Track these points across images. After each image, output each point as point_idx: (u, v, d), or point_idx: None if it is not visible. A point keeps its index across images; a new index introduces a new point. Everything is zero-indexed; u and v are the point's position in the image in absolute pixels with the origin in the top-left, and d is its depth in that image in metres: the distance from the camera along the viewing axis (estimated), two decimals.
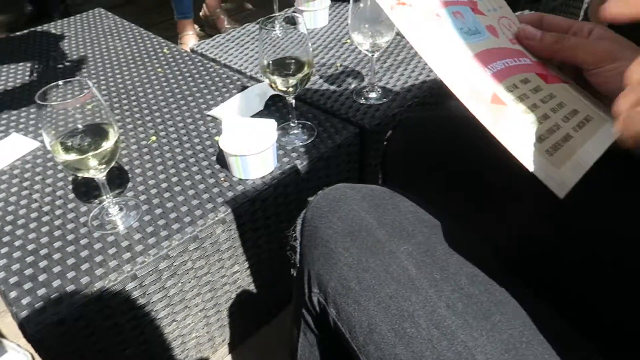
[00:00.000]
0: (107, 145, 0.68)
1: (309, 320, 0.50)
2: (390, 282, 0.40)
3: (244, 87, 1.13)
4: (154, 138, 0.98)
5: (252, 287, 0.98)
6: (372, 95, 1.07)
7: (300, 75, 0.83)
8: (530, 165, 0.36)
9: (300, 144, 0.94)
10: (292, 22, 0.82)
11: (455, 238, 0.43)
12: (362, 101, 1.07)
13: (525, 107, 0.39)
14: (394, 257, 0.41)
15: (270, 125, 0.87)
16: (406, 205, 0.46)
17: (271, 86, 0.86)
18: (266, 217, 0.88)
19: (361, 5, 0.90)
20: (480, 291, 0.40)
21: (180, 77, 1.19)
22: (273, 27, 0.83)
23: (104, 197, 0.79)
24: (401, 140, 0.57)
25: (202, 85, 1.16)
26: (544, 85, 0.43)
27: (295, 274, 0.50)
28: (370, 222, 0.44)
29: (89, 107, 0.66)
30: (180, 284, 0.80)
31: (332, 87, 1.14)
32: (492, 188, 0.52)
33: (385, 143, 0.58)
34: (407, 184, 0.55)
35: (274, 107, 1.06)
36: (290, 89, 0.84)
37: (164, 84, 1.17)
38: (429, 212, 0.46)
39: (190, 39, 2.12)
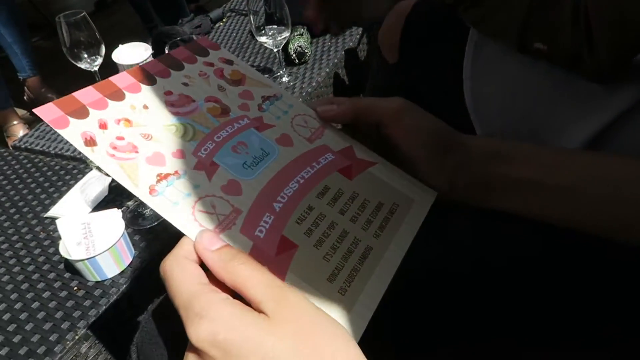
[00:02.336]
0: None
1: None
2: None
3: (82, 175, 1.03)
4: None
5: None
6: None
7: None
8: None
9: (156, 222, 0.87)
10: None
11: None
12: None
13: (317, 238, 0.37)
14: None
15: (114, 215, 0.79)
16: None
17: (105, 173, 0.78)
18: (137, 313, 0.80)
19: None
20: None
21: (5, 182, 1.05)
22: None
23: None
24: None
25: (33, 185, 1.03)
26: (347, 186, 0.41)
27: None
28: None
29: None
30: None
31: None
32: None
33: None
34: None
35: (120, 188, 0.97)
36: None
37: None
38: None
39: (17, 129, 1.92)
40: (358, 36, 1.45)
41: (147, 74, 0.43)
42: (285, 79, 1.27)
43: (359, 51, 1.46)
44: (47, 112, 0.36)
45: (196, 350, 0.28)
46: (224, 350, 0.27)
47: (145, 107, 0.40)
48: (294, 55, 1.30)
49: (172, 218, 0.34)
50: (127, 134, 0.38)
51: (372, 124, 0.44)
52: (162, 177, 0.36)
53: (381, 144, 0.44)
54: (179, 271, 0.30)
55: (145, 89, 0.41)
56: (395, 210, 0.41)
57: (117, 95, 0.40)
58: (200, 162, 0.38)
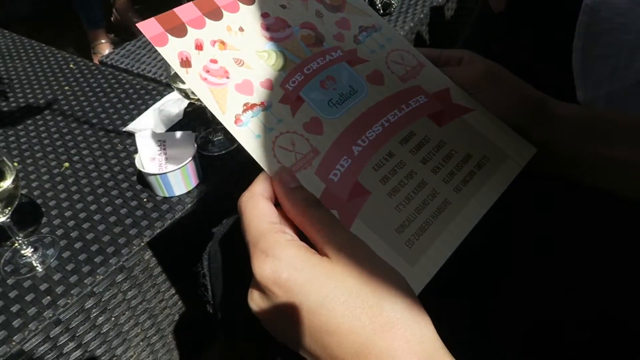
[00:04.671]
0: (4, 185, 0.62)
1: None
2: None
3: (161, 96, 1.07)
4: (67, 164, 0.91)
5: (196, 304, 0.94)
6: None
7: None
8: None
9: (225, 151, 0.90)
10: None
11: None
12: None
13: (392, 187, 0.36)
14: None
15: (188, 137, 0.82)
16: None
17: (184, 96, 0.81)
18: (198, 233, 0.84)
19: None
20: None
21: (90, 93, 1.11)
22: None
23: (15, 238, 0.72)
24: None
25: (115, 100, 1.09)
26: (434, 133, 0.39)
27: (211, 311, 0.47)
28: None
29: None
30: (113, 319, 0.75)
31: None
32: None
33: None
34: None
35: (194, 114, 1.01)
36: None
37: (73, 102, 1.09)
38: None
39: (104, 48, 2.00)
40: None
41: None
42: None
43: (445, 10, 1.40)
44: (148, 27, 0.36)
45: (259, 287, 0.29)
46: (286, 289, 0.28)
47: (241, 29, 0.40)
48: (379, 5, 1.27)
49: (252, 150, 0.35)
50: (220, 57, 0.38)
51: None
52: (248, 107, 0.36)
53: None
54: (252, 208, 0.32)
55: (244, 9, 0.41)
56: (483, 164, 0.39)
57: (216, 13, 0.40)
58: (287, 95, 0.37)
